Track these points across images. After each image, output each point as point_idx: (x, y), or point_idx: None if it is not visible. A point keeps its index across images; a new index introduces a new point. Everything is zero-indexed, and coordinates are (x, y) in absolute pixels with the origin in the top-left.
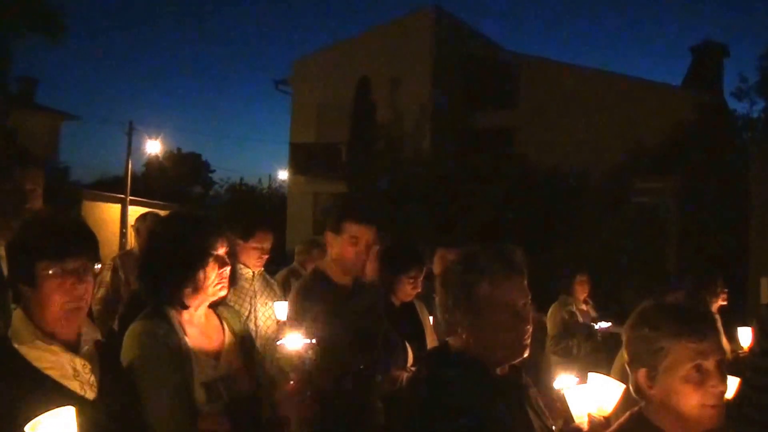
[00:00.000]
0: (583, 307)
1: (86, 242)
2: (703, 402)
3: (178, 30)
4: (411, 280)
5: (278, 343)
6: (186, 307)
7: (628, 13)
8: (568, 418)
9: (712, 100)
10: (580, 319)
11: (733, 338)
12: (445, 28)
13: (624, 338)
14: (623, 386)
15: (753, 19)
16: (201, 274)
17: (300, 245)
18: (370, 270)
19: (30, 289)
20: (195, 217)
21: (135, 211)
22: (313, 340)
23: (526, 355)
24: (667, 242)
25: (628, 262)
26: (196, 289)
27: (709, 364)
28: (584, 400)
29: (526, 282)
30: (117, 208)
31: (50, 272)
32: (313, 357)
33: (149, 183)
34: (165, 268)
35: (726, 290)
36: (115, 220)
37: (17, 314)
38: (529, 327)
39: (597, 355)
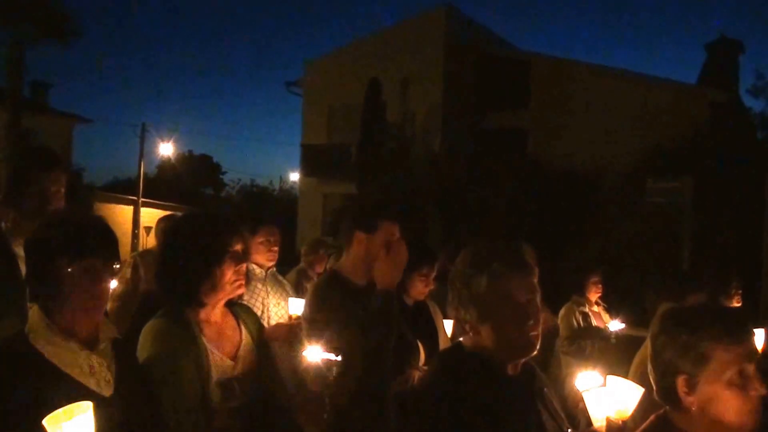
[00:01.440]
0: (595, 308)
1: (106, 241)
2: (744, 406)
3: (190, 33)
4: (423, 278)
5: (302, 354)
6: (204, 305)
7: (641, 10)
8: (588, 420)
9: (727, 98)
10: (593, 321)
11: None
12: (456, 27)
13: (654, 344)
14: (642, 390)
15: None
16: (218, 272)
17: (306, 246)
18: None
19: (49, 286)
20: (211, 216)
21: (147, 213)
22: (339, 357)
23: (534, 352)
24: (681, 242)
25: (642, 263)
26: (214, 287)
27: (751, 367)
28: (603, 403)
29: (534, 279)
30: (129, 209)
31: (69, 270)
32: (335, 372)
33: (161, 185)
34: (183, 266)
35: (740, 291)
36: (127, 222)
37: (35, 311)
38: (533, 323)
39: (610, 357)
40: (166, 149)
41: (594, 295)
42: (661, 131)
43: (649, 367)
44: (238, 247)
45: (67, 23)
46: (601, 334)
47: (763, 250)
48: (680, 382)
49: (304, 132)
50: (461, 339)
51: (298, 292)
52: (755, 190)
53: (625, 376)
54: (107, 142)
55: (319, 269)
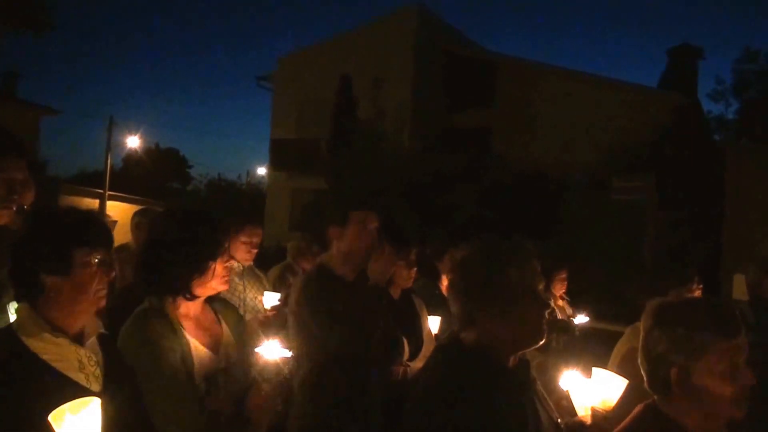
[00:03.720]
0: (560, 302)
1: (109, 234)
2: (734, 397)
3: (160, 26)
4: (404, 261)
5: (255, 350)
6: (195, 298)
7: (605, 15)
8: (572, 414)
9: (687, 102)
10: (558, 315)
11: None
12: (427, 27)
13: (647, 337)
14: (627, 381)
15: (729, 23)
16: (212, 266)
17: (293, 242)
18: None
19: (59, 278)
20: (205, 212)
21: (113, 206)
22: (290, 353)
23: (543, 340)
24: (643, 239)
25: (606, 258)
26: (206, 281)
27: (741, 359)
28: (588, 395)
29: (539, 269)
30: (95, 203)
31: (88, 260)
32: (287, 371)
33: (127, 178)
34: (176, 259)
35: (701, 286)
36: None
37: (23, 308)
38: (545, 311)
39: (574, 349)
40: (133, 142)
41: (559, 290)
42: (624, 132)
43: (641, 358)
44: (226, 243)
45: (41, 14)
46: (566, 327)
47: (722, 248)
48: (674, 373)
49: (274, 127)
50: (461, 334)
51: (281, 286)
52: (713, 188)
53: (595, 366)
54: (74, 134)
55: (306, 265)
